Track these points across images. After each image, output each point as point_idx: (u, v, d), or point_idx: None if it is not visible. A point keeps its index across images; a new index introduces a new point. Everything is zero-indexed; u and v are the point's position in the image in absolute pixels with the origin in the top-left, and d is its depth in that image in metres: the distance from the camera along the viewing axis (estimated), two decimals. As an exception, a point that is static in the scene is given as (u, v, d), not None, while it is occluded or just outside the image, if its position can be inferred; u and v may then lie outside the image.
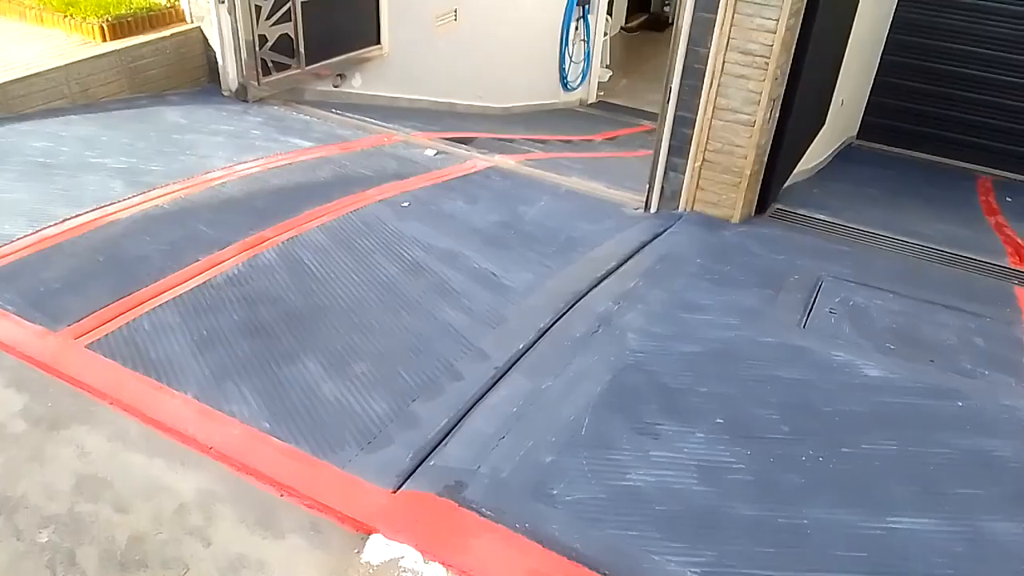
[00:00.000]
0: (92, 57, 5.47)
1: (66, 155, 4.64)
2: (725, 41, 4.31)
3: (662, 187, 4.89)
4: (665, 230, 4.56)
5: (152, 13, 5.93)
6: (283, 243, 3.91)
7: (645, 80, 12.31)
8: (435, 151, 5.76)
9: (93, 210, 4.02)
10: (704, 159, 4.65)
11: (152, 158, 4.77)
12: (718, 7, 4.23)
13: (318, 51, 6.83)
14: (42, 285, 3.39)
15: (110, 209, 4.06)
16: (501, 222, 4.52)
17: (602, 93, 12.05)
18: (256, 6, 5.93)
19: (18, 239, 3.69)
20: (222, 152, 5.02)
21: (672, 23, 7.57)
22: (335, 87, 7.34)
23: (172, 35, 5.94)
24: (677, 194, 4.87)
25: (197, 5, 6.07)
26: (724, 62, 4.36)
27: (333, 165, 5.07)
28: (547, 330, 3.40)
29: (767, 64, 4.27)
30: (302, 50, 6.68)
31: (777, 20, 4.16)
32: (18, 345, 3.05)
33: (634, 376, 3.11)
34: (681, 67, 4.49)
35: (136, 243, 3.78)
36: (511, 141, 7.56)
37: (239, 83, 6.32)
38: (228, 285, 3.53)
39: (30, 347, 3.05)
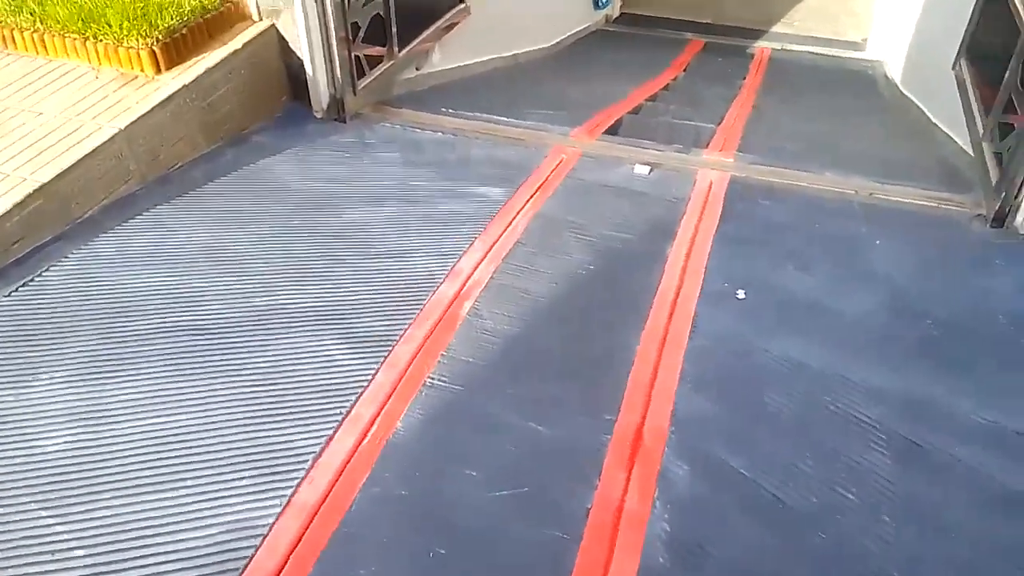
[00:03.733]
0: (154, 108, 3.59)
1: (206, 294, 2.93)
2: None
3: (1046, 198, 3.50)
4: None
5: (208, 15, 4.00)
6: (674, 439, 2.41)
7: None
8: (648, 168, 4.19)
9: (332, 417, 2.41)
10: None
11: (332, 275, 3.10)
12: None
13: (408, 29, 5.03)
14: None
15: (362, 417, 2.45)
16: (886, 304, 3.08)
17: (620, 3, 10.46)
18: (346, -16, 4.13)
19: (263, 530, 2.10)
20: (415, 237, 3.36)
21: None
22: (417, 70, 5.55)
23: (244, 46, 4.04)
24: (1070, 207, 3.50)
25: (268, -6, 4.17)
26: None
27: (569, 232, 3.47)
28: None
29: None
30: (395, 32, 4.86)
31: None
32: None
33: None
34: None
35: (460, 492, 2.22)
36: (637, 112, 5.99)
37: (332, 96, 4.51)
38: None
39: None
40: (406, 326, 2.82)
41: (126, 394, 2.49)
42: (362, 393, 2.52)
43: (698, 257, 3.32)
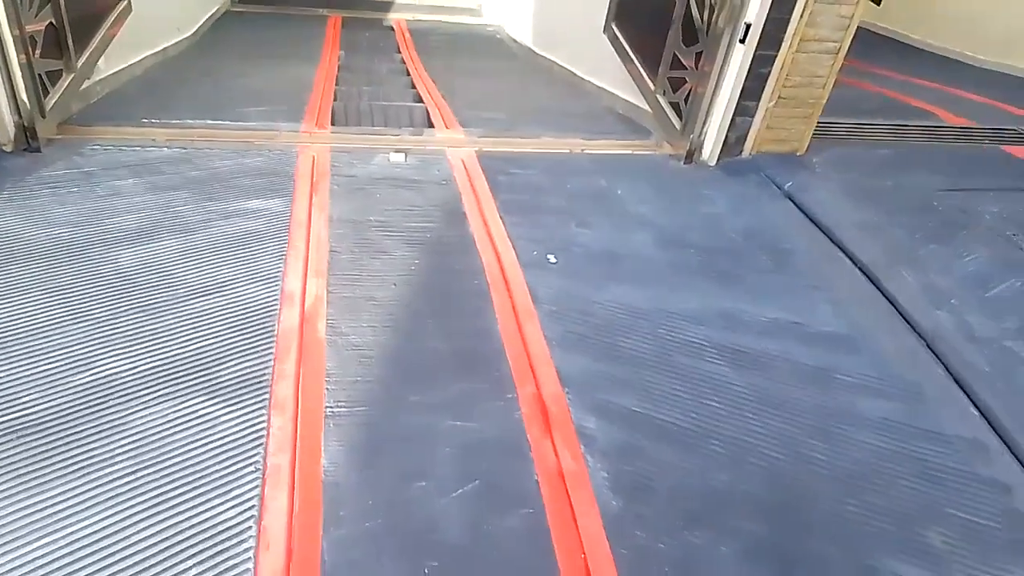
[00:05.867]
0: None
1: (14, 383, 2.43)
2: (825, -35, 3.84)
3: (726, 135, 4.40)
4: (781, 186, 4.20)
5: None
6: (572, 399, 2.70)
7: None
8: (402, 155, 4.32)
9: (249, 478, 2.26)
10: (779, 96, 4.27)
11: (150, 329, 2.75)
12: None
13: (78, 38, 4.43)
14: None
15: (281, 467, 2.32)
16: (657, 242, 3.68)
17: (246, -23, 10.10)
18: (15, -9, 3.56)
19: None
20: (218, 267, 3.11)
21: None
22: (87, 80, 4.91)
23: (-98, 77, 3.24)
24: (743, 139, 4.44)
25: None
26: (820, -11, 3.92)
27: (375, 231, 3.51)
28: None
29: (862, -14, 3.95)
30: (71, 42, 4.26)
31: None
32: None
33: None
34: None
35: (420, 505, 2.26)
36: (336, 99, 6.00)
37: (17, 124, 3.83)
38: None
39: None
40: (270, 363, 2.66)
41: (-23, 531, 2.03)
42: (266, 443, 2.37)
43: (498, 232, 3.58)
